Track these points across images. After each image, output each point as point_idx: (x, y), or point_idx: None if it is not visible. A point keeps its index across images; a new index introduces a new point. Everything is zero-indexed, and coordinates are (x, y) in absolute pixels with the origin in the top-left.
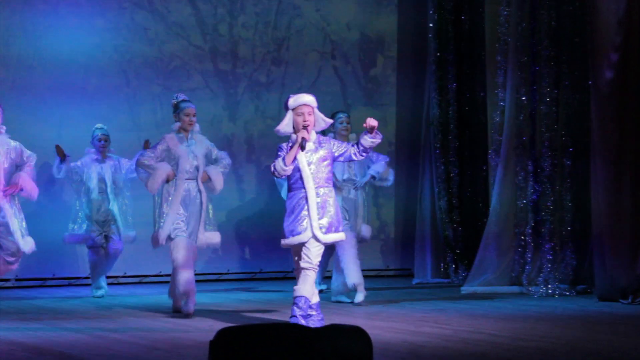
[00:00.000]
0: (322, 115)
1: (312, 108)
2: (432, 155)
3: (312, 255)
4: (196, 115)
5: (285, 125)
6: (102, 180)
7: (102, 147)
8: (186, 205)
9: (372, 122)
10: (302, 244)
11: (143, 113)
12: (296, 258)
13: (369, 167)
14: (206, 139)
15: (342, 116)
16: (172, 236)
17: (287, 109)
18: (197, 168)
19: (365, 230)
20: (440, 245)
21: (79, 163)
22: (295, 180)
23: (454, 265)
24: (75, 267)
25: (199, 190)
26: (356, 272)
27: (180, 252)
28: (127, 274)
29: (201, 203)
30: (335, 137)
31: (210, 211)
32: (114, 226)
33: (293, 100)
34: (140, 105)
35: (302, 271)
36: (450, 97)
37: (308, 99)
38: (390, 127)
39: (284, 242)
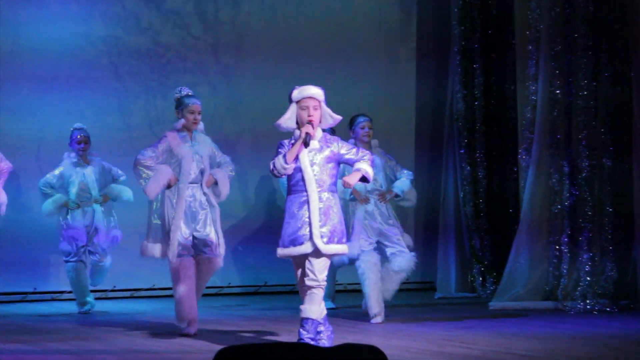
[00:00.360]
0: (329, 111)
1: (319, 102)
2: (457, 156)
3: (317, 270)
4: (201, 113)
5: (287, 120)
6: (85, 188)
7: (82, 150)
8: (193, 213)
9: (347, 184)
10: (303, 256)
11: (135, 111)
12: (299, 271)
13: (392, 180)
14: (210, 140)
15: (362, 121)
16: (175, 254)
17: (290, 101)
18: (201, 171)
19: (408, 240)
20: (465, 255)
21: (57, 172)
22: (296, 182)
23: (480, 278)
24: (59, 280)
25: (205, 195)
26: (377, 301)
27: (183, 273)
28: (117, 288)
29: (212, 206)
30: (356, 144)
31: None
32: (100, 239)
33: (298, 92)
34: (131, 102)
35: (308, 290)
36: (477, 90)
37: (314, 91)
38: (409, 124)
39: (282, 252)
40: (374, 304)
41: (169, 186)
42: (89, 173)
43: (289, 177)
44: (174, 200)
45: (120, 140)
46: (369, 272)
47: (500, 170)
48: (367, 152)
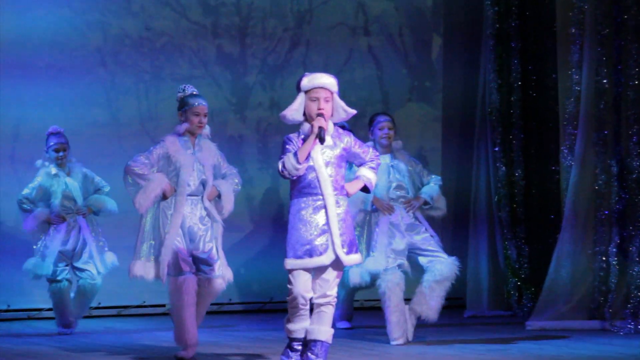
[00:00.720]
0: (343, 104)
1: (332, 93)
2: (490, 154)
3: (332, 285)
4: (207, 116)
5: (294, 111)
6: (68, 197)
7: (61, 158)
8: (191, 230)
9: (350, 192)
10: (315, 269)
11: (124, 106)
12: (304, 284)
13: (419, 187)
14: (215, 147)
15: (382, 120)
16: (165, 273)
17: (299, 90)
18: (203, 183)
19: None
20: (499, 268)
21: (35, 184)
22: (308, 184)
23: (517, 294)
24: (36, 297)
25: (205, 209)
26: (397, 324)
27: (185, 293)
28: (102, 305)
29: (214, 221)
30: (375, 147)
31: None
32: (87, 256)
33: (307, 80)
34: (120, 96)
35: (317, 308)
36: (513, 79)
37: (327, 80)
38: (435, 119)
39: (294, 263)
40: (395, 327)
41: (164, 197)
42: (72, 181)
43: (297, 178)
44: (170, 213)
45: (107, 138)
46: (391, 293)
47: (540, 170)
48: (377, 155)
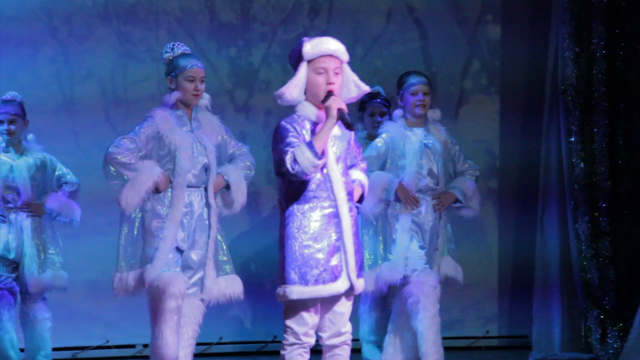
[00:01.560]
0: (356, 78)
1: (342, 64)
2: (563, 146)
3: (346, 319)
4: (205, 81)
5: (295, 88)
6: (10, 187)
7: (10, 134)
8: (187, 229)
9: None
10: (323, 300)
11: (81, 89)
12: (307, 320)
13: (453, 176)
14: (217, 121)
15: (415, 82)
16: (160, 272)
17: (299, 59)
18: (205, 168)
19: (452, 268)
20: (576, 297)
21: None
22: (316, 186)
23: (600, 330)
24: None
25: (208, 205)
26: (435, 343)
27: (167, 297)
28: (53, 346)
29: (209, 226)
30: (405, 116)
31: (222, 240)
32: (31, 270)
33: (311, 47)
34: (76, 75)
35: (330, 351)
36: (595, 47)
37: (337, 46)
38: (491, 98)
39: (302, 291)
40: (431, 347)
41: (157, 191)
42: (20, 166)
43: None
44: (165, 213)
45: (58, 130)
46: (426, 300)
47: (630, 168)
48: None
